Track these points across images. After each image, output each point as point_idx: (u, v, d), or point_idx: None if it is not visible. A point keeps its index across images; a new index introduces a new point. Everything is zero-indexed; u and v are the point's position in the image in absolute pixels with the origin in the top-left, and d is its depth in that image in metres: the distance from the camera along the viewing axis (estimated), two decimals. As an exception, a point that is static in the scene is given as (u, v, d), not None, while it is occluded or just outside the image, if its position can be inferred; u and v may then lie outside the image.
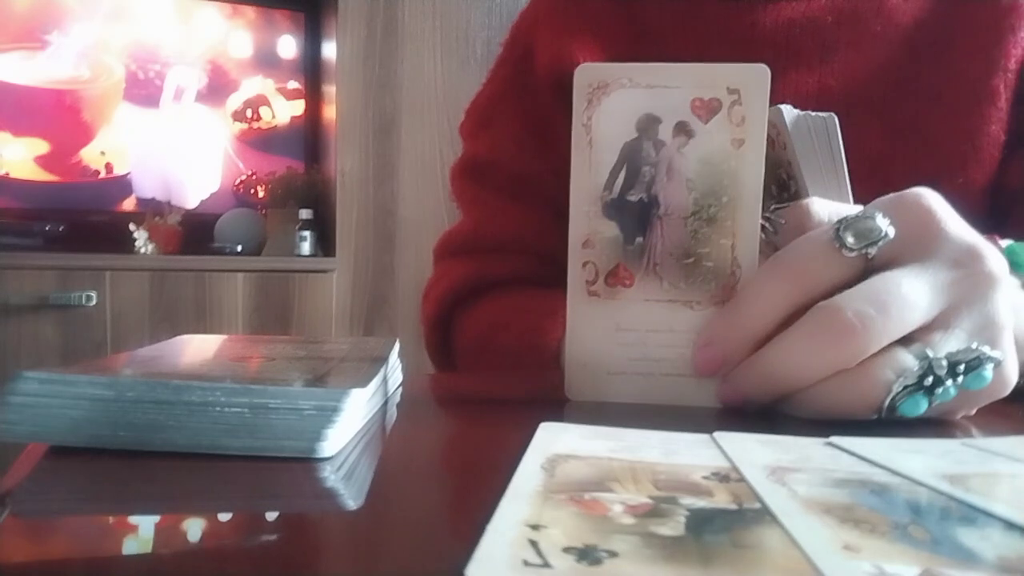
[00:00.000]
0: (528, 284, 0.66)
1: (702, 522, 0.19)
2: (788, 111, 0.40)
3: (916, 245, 0.33)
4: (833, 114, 0.40)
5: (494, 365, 0.63)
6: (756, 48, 0.61)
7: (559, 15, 0.68)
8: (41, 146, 1.95)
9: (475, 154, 0.72)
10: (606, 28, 0.65)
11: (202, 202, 2.11)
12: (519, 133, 0.68)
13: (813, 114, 0.40)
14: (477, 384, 0.52)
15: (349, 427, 0.28)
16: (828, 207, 0.37)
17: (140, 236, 1.88)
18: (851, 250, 0.33)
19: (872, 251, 0.33)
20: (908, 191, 0.35)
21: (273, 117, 2.17)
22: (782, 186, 0.42)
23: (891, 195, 0.35)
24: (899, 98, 0.60)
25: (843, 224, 0.33)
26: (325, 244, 2.01)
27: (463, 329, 0.68)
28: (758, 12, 0.62)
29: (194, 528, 0.21)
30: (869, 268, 0.33)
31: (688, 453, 0.26)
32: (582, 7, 0.67)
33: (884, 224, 0.33)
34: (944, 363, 0.31)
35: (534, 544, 0.17)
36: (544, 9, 0.70)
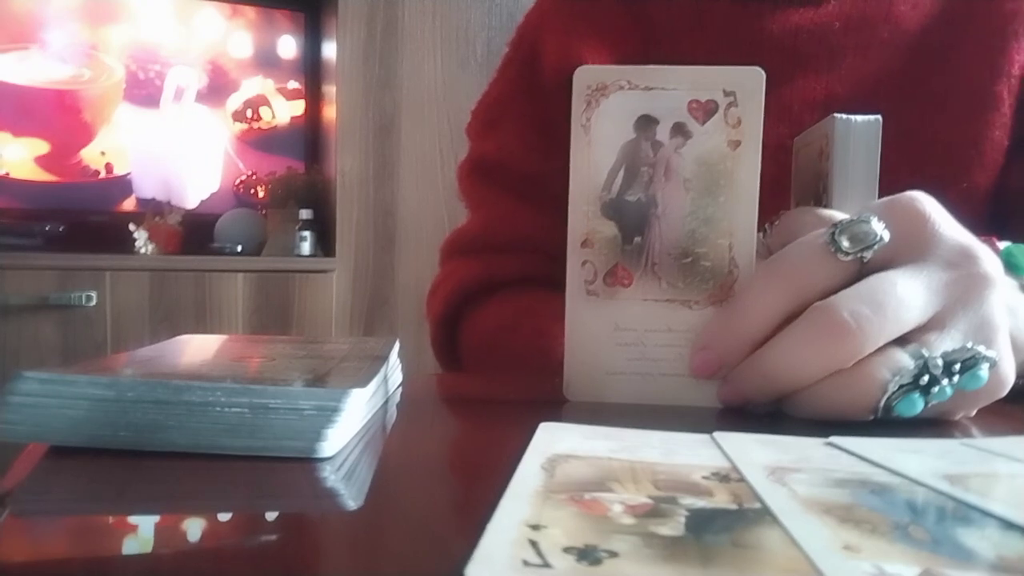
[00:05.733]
0: (537, 284, 0.66)
1: (702, 522, 0.19)
2: (840, 119, 0.40)
3: (910, 248, 0.34)
4: (878, 117, 0.40)
5: (501, 366, 0.63)
6: (764, 53, 0.61)
7: (566, 17, 0.68)
8: (41, 146, 1.94)
9: (483, 154, 0.72)
10: (614, 31, 0.65)
11: (202, 202, 2.11)
12: (527, 134, 0.68)
13: (859, 118, 0.40)
14: (477, 384, 0.52)
15: (349, 427, 0.28)
16: (819, 213, 0.37)
17: (140, 236, 1.88)
18: (846, 254, 0.33)
19: (867, 255, 0.33)
20: (902, 194, 0.35)
21: (273, 117, 2.17)
22: (818, 200, 0.42)
23: (885, 199, 0.35)
24: (905, 104, 0.60)
25: (838, 228, 0.33)
26: (325, 244, 2.01)
27: (471, 329, 0.68)
28: (766, 17, 0.62)
29: (194, 528, 0.21)
30: (864, 272, 0.33)
31: (688, 453, 0.26)
32: (590, 9, 0.67)
33: (879, 228, 0.33)
34: (940, 362, 0.31)
35: (534, 544, 0.17)
36: (551, 10, 0.70)
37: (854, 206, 0.38)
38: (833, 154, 0.40)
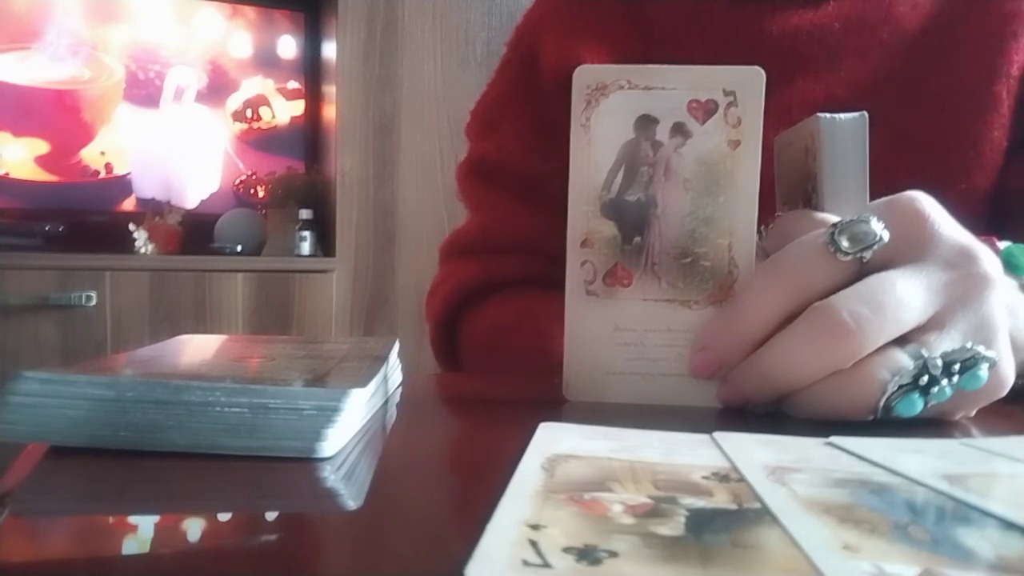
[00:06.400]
0: (537, 285, 0.66)
1: (702, 522, 0.19)
2: (825, 119, 0.40)
3: (910, 247, 0.34)
4: (864, 113, 0.40)
5: (500, 366, 0.63)
6: (763, 55, 0.61)
7: (565, 18, 0.68)
8: (41, 146, 1.94)
9: (482, 155, 0.72)
10: (613, 33, 0.65)
11: (202, 202, 2.11)
12: (526, 135, 0.68)
13: (845, 116, 0.40)
14: (477, 384, 0.52)
15: (349, 427, 0.28)
16: (815, 216, 0.37)
17: (140, 236, 1.88)
18: (846, 254, 0.33)
19: (867, 255, 0.33)
20: (901, 194, 0.35)
21: (273, 117, 2.17)
22: (807, 200, 0.42)
23: (885, 199, 0.35)
24: (904, 105, 0.60)
25: (838, 228, 0.33)
26: (325, 244, 2.01)
27: (470, 329, 0.68)
28: (765, 19, 0.62)
29: (194, 528, 0.21)
30: (863, 272, 0.33)
31: (688, 453, 0.26)
32: (588, 10, 0.66)
33: (879, 228, 0.33)
34: (939, 363, 0.31)
35: (534, 544, 0.17)
36: (549, 11, 0.70)
37: (846, 204, 0.39)
38: (821, 154, 0.40)
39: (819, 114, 0.40)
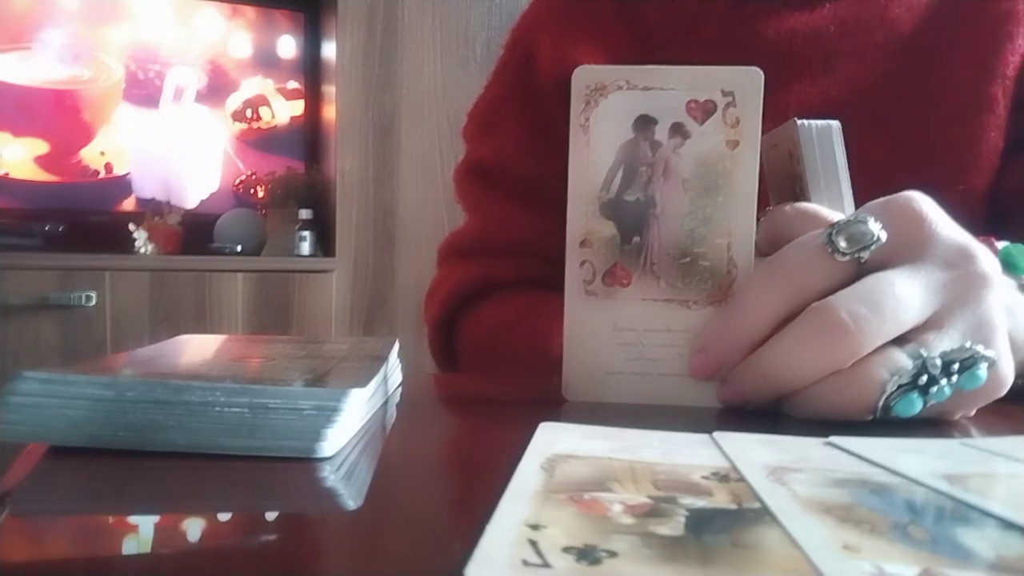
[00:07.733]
0: (534, 287, 0.66)
1: (702, 522, 0.19)
2: (803, 126, 0.41)
3: (908, 247, 0.34)
4: (837, 121, 0.40)
5: (499, 366, 0.63)
6: (759, 57, 0.60)
7: (561, 20, 0.68)
8: (41, 146, 1.94)
9: (480, 157, 0.72)
10: (609, 35, 0.65)
11: (202, 202, 2.11)
12: (523, 137, 0.68)
13: (818, 123, 0.41)
14: (477, 384, 0.52)
15: (349, 427, 0.28)
16: (802, 208, 0.37)
17: (140, 236, 1.88)
18: (843, 254, 0.33)
19: (864, 255, 0.33)
20: (899, 194, 0.35)
21: (273, 117, 2.17)
22: (795, 200, 0.42)
23: (882, 199, 0.35)
24: (900, 107, 0.60)
25: (835, 228, 0.33)
26: (325, 244, 2.02)
27: (469, 329, 0.68)
28: (761, 21, 0.62)
29: (194, 528, 0.21)
30: (861, 272, 0.33)
31: (688, 453, 0.26)
32: (584, 12, 0.67)
33: (876, 228, 0.33)
34: (938, 362, 0.31)
35: (534, 544, 0.17)
36: (545, 13, 0.70)
37: (832, 205, 0.39)
38: (803, 158, 0.40)
39: (796, 120, 0.40)
